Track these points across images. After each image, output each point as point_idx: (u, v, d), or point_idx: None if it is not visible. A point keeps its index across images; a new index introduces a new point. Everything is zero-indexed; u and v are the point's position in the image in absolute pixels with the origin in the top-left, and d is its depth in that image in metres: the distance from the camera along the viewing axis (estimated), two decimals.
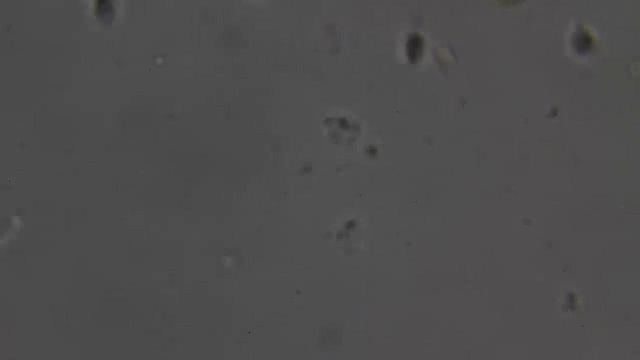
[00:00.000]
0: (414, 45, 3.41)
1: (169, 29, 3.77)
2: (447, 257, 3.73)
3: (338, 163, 3.74)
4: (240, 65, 3.76)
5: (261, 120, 3.74)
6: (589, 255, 3.73)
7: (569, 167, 3.76)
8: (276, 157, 3.73)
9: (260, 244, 3.72)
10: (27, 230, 3.70)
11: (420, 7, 3.79)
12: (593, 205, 3.75)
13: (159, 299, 3.69)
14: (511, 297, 3.71)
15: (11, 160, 3.72)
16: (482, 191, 3.74)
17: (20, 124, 3.73)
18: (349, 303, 3.71)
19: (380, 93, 3.77)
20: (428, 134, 3.75)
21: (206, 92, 3.75)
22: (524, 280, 3.72)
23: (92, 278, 3.70)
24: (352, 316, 3.71)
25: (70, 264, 3.69)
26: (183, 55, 3.76)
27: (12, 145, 3.72)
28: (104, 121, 3.74)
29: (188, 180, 3.72)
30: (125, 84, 3.75)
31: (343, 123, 3.74)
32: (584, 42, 3.61)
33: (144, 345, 3.69)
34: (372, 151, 3.74)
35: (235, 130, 3.74)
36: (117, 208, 3.71)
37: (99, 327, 3.69)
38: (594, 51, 3.77)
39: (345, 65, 3.76)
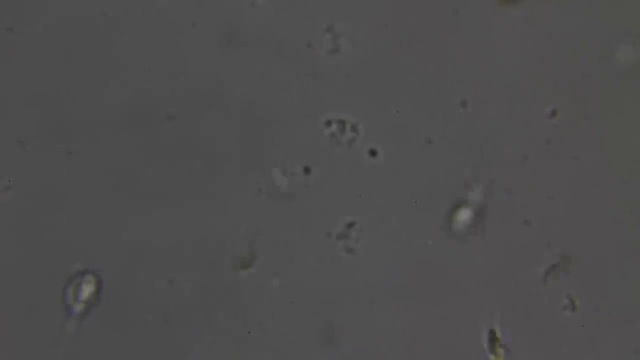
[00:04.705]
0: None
1: (168, 28, 3.77)
2: (446, 256, 3.73)
3: (338, 164, 3.74)
4: (240, 65, 3.77)
5: (261, 121, 3.74)
6: (589, 255, 3.73)
7: (569, 167, 3.76)
8: (276, 157, 3.73)
9: (259, 243, 3.72)
10: (26, 229, 3.70)
11: (420, 7, 3.79)
12: (593, 205, 3.75)
13: (159, 300, 3.69)
14: (511, 297, 3.71)
15: (11, 161, 3.72)
16: (482, 191, 3.74)
17: (20, 124, 3.73)
18: (349, 303, 3.71)
19: (380, 93, 3.77)
20: (428, 134, 3.75)
21: (206, 92, 3.75)
22: (523, 280, 3.72)
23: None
24: (352, 316, 3.71)
25: (69, 264, 3.69)
26: (183, 55, 3.76)
27: (12, 146, 3.72)
28: (104, 121, 3.74)
29: (187, 180, 3.72)
30: (125, 84, 3.75)
31: (343, 124, 3.74)
32: None
33: (144, 346, 3.69)
34: (372, 152, 3.74)
35: (235, 131, 3.74)
36: (116, 208, 3.71)
37: (98, 328, 3.69)
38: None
39: (345, 65, 3.77)
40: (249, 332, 3.70)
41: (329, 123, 3.74)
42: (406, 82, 3.77)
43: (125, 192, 3.72)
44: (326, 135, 3.74)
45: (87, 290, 3.65)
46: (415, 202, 3.74)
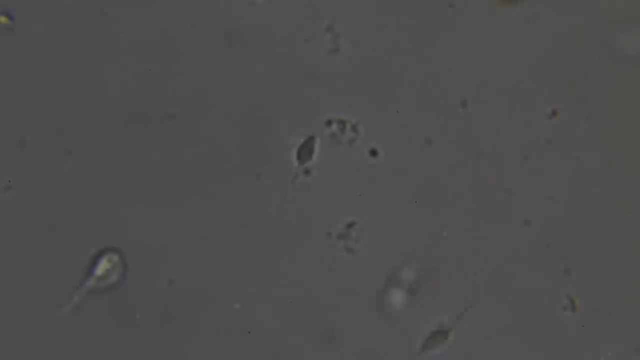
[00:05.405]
0: None
1: (168, 28, 3.77)
2: (446, 257, 3.73)
3: (338, 163, 3.74)
4: (240, 65, 3.76)
5: (261, 121, 3.74)
6: (588, 255, 3.73)
7: (569, 167, 3.76)
8: (276, 157, 3.73)
9: (260, 243, 3.72)
10: (26, 229, 3.70)
11: (420, 7, 3.79)
12: (593, 205, 3.75)
13: (158, 300, 3.69)
14: (511, 297, 3.71)
15: (11, 161, 3.72)
16: (482, 191, 3.75)
17: (20, 124, 3.73)
18: (349, 303, 3.71)
19: (380, 93, 3.77)
20: (428, 134, 3.75)
21: (206, 92, 3.75)
22: (523, 280, 3.72)
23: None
24: (352, 316, 3.71)
25: (69, 263, 3.69)
26: (183, 55, 3.76)
27: (12, 146, 3.72)
28: (104, 121, 3.74)
29: (187, 180, 3.72)
30: (125, 84, 3.75)
31: (343, 124, 3.74)
32: None
33: (144, 346, 3.69)
34: (372, 151, 3.74)
35: (235, 131, 3.74)
36: (116, 208, 3.71)
37: (98, 328, 3.69)
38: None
39: (345, 65, 3.76)
40: (249, 332, 3.70)
41: (329, 123, 3.74)
42: (406, 82, 3.77)
43: (125, 192, 3.72)
44: (326, 135, 3.74)
45: (104, 266, 3.64)
46: (415, 202, 3.74)
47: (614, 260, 3.73)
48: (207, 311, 3.70)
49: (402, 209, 3.74)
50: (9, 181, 3.71)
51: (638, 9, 3.80)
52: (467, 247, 3.73)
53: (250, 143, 3.74)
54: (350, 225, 3.72)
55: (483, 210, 3.74)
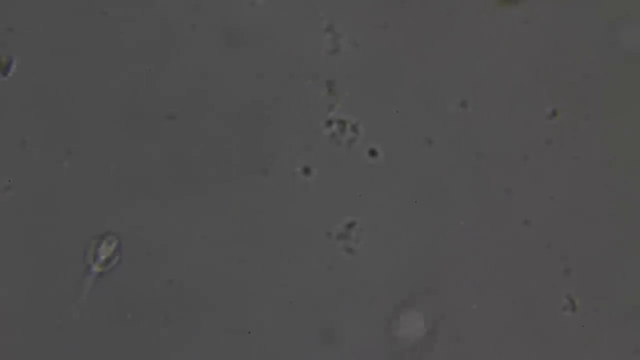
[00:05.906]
0: None
1: (168, 28, 3.77)
2: (446, 257, 3.73)
3: (338, 164, 3.74)
4: (240, 65, 3.76)
5: (261, 121, 3.74)
6: (589, 255, 3.73)
7: (569, 167, 3.76)
8: (276, 157, 3.73)
9: (260, 243, 3.72)
10: (25, 230, 3.70)
11: (420, 7, 3.79)
12: (593, 205, 3.75)
13: (158, 300, 3.69)
14: (511, 297, 3.71)
15: (11, 161, 3.72)
16: (482, 191, 3.75)
17: (19, 124, 3.73)
18: (349, 303, 3.71)
19: (380, 93, 3.77)
20: (428, 134, 3.75)
21: (206, 92, 3.75)
22: (523, 280, 3.72)
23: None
24: (352, 316, 3.71)
25: (69, 264, 3.69)
26: (183, 55, 3.76)
27: (12, 146, 3.73)
28: (104, 121, 3.74)
29: (187, 180, 3.72)
30: (126, 84, 3.75)
31: (343, 124, 3.74)
32: None
33: (144, 346, 3.69)
34: (372, 152, 3.74)
35: (235, 131, 3.74)
36: (116, 208, 3.71)
37: (97, 328, 3.69)
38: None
39: (345, 65, 3.76)
40: (249, 332, 3.70)
41: (329, 123, 3.74)
42: (406, 82, 3.77)
43: (125, 192, 3.72)
44: (326, 135, 3.74)
45: (107, 250, 3.64)
46: (415, 202, 3.74)
47: (614, 260, 3.73)
48: (207, 311, 3.70)
49: (402, 209, 3.74)
50: (9, 181, 3.71)
51: (638, 8, 3.80)
52: (467, 247, 3.73)
53: (251, 143, 3.74)
54: (350, 225, 3.72)
55: (483, 210, 3.74)
